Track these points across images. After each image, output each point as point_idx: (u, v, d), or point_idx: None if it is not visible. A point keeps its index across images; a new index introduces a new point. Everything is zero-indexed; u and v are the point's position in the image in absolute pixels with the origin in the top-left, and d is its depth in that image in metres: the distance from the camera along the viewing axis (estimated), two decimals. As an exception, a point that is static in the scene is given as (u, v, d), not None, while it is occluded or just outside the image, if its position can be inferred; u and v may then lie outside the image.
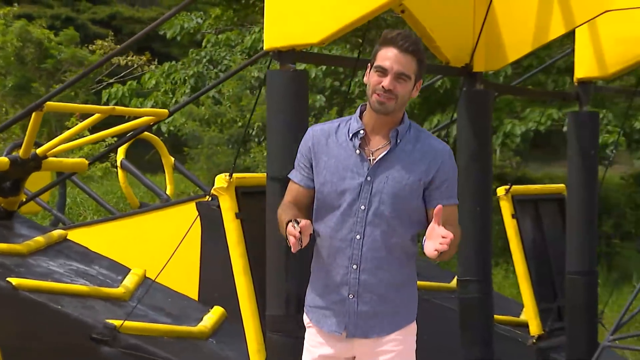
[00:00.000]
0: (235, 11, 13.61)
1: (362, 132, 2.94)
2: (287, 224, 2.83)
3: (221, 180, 4.39)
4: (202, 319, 4.65)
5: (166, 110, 5.53)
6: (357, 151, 2.94)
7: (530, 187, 7.06)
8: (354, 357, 3.08)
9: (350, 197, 2.93)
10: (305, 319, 3.12)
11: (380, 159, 2.93)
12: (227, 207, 4.35)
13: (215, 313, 4.73)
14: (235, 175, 4.38)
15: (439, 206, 2.77)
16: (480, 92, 4.81)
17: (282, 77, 4.02)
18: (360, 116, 2.97)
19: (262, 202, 4.28)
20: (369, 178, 2.92)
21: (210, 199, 5.02)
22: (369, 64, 2.93)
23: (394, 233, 2.94)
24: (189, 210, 5.17)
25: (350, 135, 2.96)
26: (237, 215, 4.36)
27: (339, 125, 3.01)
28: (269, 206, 3.97)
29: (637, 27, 4.96)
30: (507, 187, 5.96)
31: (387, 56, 2.87)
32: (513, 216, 5.84)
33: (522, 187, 6.67)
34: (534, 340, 5.70)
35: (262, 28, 5.18)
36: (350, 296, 2.96)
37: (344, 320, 2.98)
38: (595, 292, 5.62)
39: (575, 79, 5.52)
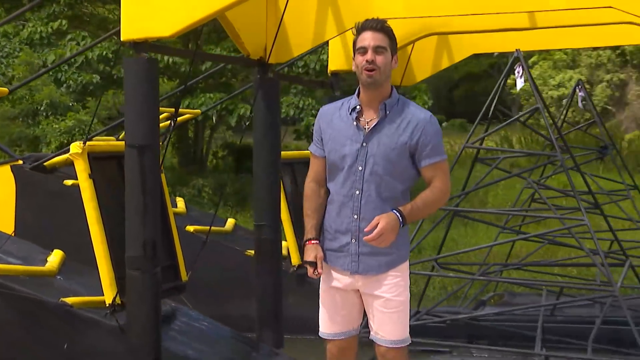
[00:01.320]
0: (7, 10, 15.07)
1: (358, 107, 3.69)
2: (305, 244, 3.74)
3: (75, 147, 5.24)
4: (47, 260, 5.49)
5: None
6: (355, 123, 3.68)
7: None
8: (358, 290, 3.80)
9: (350, 160, 3.67)
10: (323, 259, 3.80)
11: (372, 128, 3.65)
12: (82, 169, 5.22)
13: (56, 255, 5.60)
14: (88, 143, 5.26)
15: (375, 219, 3.50)
16: (271, 80, 6.21)
17: (137, 64, 5.03)
18: (358, 95, 3.72)
19: (110, 165, 5.34)
20: (364, 144, 3.66)
21: (22, 162, 6.16)
22: (353, 53, 3.67)
23: (387, 188, 3.66)
24: (4, 172, 6.18)
25: (350, 110, 3.70)
26: (90, 176, 5.24)
27: (342, 104, 3.78)
28: (128, 167, 4.98)
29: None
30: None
31: (365, 37, 3.63)
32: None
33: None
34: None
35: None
36: (353, 240, 3.69)
37: (349, 260, 3.72)
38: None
39: (329, 71, 7.22)
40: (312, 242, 3.75)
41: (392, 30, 3.68)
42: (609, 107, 51.10)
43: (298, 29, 6.15)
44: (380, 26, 3.65)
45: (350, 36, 6.53)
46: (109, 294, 5.17)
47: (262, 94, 6.17)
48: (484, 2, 6.28)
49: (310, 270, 3.72)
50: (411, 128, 3.63)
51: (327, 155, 3.75)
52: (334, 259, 3.77)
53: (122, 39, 5.04)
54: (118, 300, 5.13)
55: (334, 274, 3.79)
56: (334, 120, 3.75)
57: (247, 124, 10.48)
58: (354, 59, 3.67)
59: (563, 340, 6.24)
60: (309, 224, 3.79)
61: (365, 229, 3.54)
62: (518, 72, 5.99)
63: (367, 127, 3.66)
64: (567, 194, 7.41)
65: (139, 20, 4.95)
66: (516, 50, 6.21)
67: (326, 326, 3.88)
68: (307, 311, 4.70)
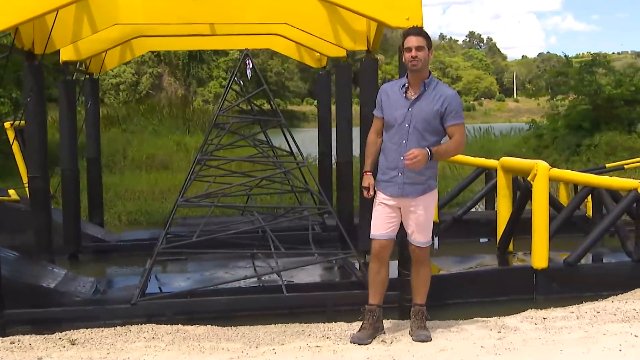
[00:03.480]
0: None
1: (406, 84, 5.39)
2: (363, 174, 5.56)
3: None
4: None
5: None
6: (404, 95, 5.39)
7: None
8: (400, 208, 5.45)
9: (401, 119, 5.35)
10: (377, 188, 5.49)
11: (415, 98, 5.35)
12: None
13: None
14: None
15: (412, 150, 5.16)
16: (38, 67, 8.43)
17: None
18: (407, 77, 5.41)
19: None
20: (409, 109, 5.34)
21: None
22: (401, 50, 5.45)
23: (423, 139, 5.29)
24: None
25: (401, 87, 5.41)
26: None
27: (395, 83, 5.51)
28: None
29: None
30: None
31: (409, 40, 5.31)
32: None
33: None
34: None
35: None
36: (400, 174, 5.37)
37: (396, 188, 5.39)
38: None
39: (61, 61, 9.55)
40: (367, 173, 5.55)
41: (427, 33, 5.41)
42: (151, 92, 58.36)
43: (59, 26, 8.43)
44: (419, 32, 5.40)
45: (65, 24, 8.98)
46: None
47: (31, 80, 8.35)
48: (182, 14, 9.30)
49: (364, 192, 5.53)
50: (442, 100, 5.34)
51: (385, 116, 5.49)
52: (384, 188, 5.48)
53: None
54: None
55: (384, 197, 5.49)
56: (390, 94, 5.50)
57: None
58: (403, 55, 5.43)
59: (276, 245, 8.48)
60: (367, 160, 5.60)
61: (405, 155, 5.19)
62: (248, 65, 9.03)
63: (412, 98, 5.40)
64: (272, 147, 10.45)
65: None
66: (245, 49, 9.16)
67: (376, 229, 5.50)
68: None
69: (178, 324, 6.13)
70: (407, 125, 5.32)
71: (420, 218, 5.45)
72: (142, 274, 7.97)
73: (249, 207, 9.76)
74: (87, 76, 11.07)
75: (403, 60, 5.47)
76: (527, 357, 4.92)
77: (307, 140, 17.23)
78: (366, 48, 8.91)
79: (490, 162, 10.89)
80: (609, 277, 8.08)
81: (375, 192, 5.52)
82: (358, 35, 9.04)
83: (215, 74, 61.80)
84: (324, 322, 6.20)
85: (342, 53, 10.36)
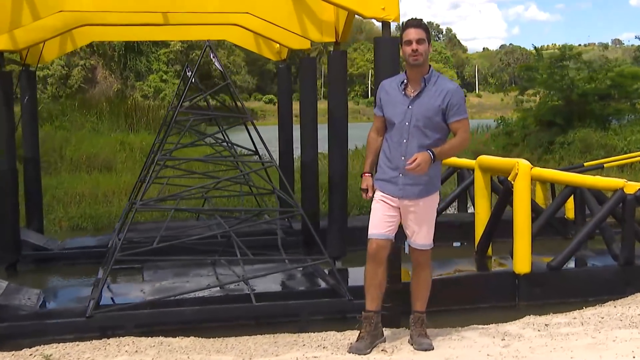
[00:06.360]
0: None
1: (405, 81, 5.46)
2: (362, 175, 5.64)
3: None
4: None
5: None
6: (403, 92, 5.47)
7: None
8: (399, 208, 5.50)
9: (401, 117, 5.42)
10: (376, 186, 5.57)
11: (415, 95, 5.42)
12: None
13: None
14: None
15: (414, 155, 5.22)
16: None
17: None
18: (406, 73, 5.46)
19: None
20: (410, 106, 5.41)
21: None
22: (400, 44, 5.44)
23: (425, 138, 5.37)
24: None
25: (400, 83, 5.48)
26: None
27: (394, 79, 5.58)
28: None
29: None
30: None
31: (409, 32, 5.36)
32: None
33: None
34: None
35: None
36: (400, 175, 5.43)
37: (397, 189, 5.46)
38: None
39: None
40: (366, 174, 5.66)
41: (427, 25, 5.50)
42: (84, 86, 58.15)
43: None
44: (419, 23, 5.46)
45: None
46: None
47: None
48: (133, 2, 9.26)
49: (363, 194, 5.65)
50: (443, 95, 5.41)
51: (385, 114, 5.58)
52: (383, 186, 5.57)
53: None
54: None
55: (384, 195, 5.57)
56: (389, 91, 5.61)
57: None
58: (402, 48, 5.47)
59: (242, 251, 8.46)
60: (367, 160, 5.71)
61: (407, 162, 5.28)
62: (215, 59, 9.00)
63: (412, 94, 5.48)
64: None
65: None
66: (207, 40, 9.08)
67: (373, 227, 5.55)
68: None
69: (140, 337, 6.12)
70: (407, 123, 5.41)
71: (421, 219, 5.53)
72: (94, 284, 7.91)
73: (213, 210, 9.76)
74: (23, 68, 10.90)
75: (402, 54, 5.52)
76: (538, 365, 5.03)
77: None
78: (334, 39, 8.99)
79: (465, 162, 11.06)
80: (595, 282, 8.28)
81: (376, 192, 5.60)
82: (325, 25, 9.11)
83: (155, 67, 61.24)
84: (296, 332, 6.29)
85: (306, 45, 10.43)
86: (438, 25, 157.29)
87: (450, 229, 11.28)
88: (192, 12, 9.71)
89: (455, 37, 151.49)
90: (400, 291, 6.44)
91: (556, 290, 8.11)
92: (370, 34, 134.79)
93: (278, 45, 11.45)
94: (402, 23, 5.61)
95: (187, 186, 9.68)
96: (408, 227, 5.59)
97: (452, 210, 12.94)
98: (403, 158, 5.38)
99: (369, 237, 5.57)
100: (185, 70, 9.75)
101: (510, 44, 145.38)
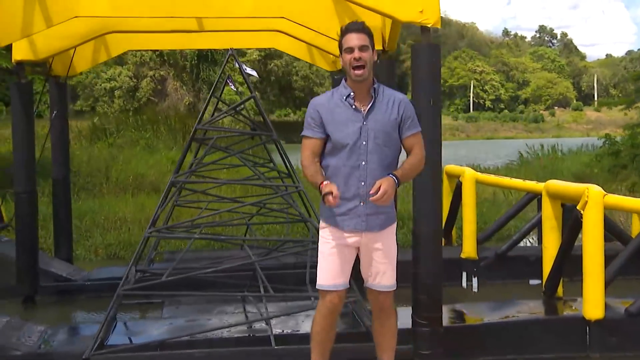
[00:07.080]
0: None
1: (352, 94, 5.20)
2: (320, 187, 5.02)
3: None
4: None
5: None
6: (353, 107, 5.20)
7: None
8: (358, 247, 5.31)
9: (355, 137, 5.14)
10: (323, 224, 5.33)
11: (368, 109, 5.19)
12: None
13: None
14: None
15: (377, 182, 4.95)
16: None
17: None
18: (347, 85, 5.22)
19: None
20: (365, 122, 5.16)
21: None
22: (340, 52, 5.20)
23: (386, 157, 5.17)
24: None
25: (344, 97, 5.21)
26: None
27: (332, 94, 5.31)
28: None
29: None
30: None
31: (350, 38, 5.12)
32: None
33: None
34: None
35: None
36: (361, 203, 5.19)
37: (359, 221, 5.20)
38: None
39: (14, 60, 9.60)
40: (325, 182, 5.09)
41: (370, 29, 5.28)
42: (153, 98, 59.24)
43: (7, 21, 8.48)
44: (361, 27, 5.24)
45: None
46: None
47: None
48: (161, 6, 9.31)
49: (329, 198, 4.96)
50: (397, 106, 5.28)
51: (331, 135, 5.23)
52: (341, 222, 5.29)
53: None
54: None
55: (340, 234, 5.32)
56: (331, 107, 5.28)
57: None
58: (341, 57, 5.25)
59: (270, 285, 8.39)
60: (317, 177, 5.17)
61: (370, 192, 5.01)
62: (242, 67, 8.98)
63: (363, 109, 5.24)
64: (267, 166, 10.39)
65: None
66: (230, 48, 9.13)
67: (334, 278, 5.34)
68: None
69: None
70: (364, 142, 5.19)
71: (387, 255, 5.37)
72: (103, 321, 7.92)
73: (240, 239, 9.68)
74: (49, 79, 11.04)
75: (342, 64, 5.30)
76: None
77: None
78: (381, 47, 8.83)
79: (538, 186, 10.68)
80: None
81: (322, 231, 5.40)
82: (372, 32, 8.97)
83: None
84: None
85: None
86: (552, 30, 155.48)
87: (526, 264, 10.85)
88: (222, 17, 9.74)
89: (572, 43, 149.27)
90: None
91: (635, 341, 7.68)
92: (473, 40, 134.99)
93: (332, 55, 11.35)
94: (341, 28, 5.36)
95: (214, 210, 9.63)
96: (371, 267, 5.40)
97: (530, 242, 12.56)
98: (363, 184, 5.18)
99: (327, 288, 5.38)
100: (226, 81, 9.70)
101: (639, 49, 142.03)
